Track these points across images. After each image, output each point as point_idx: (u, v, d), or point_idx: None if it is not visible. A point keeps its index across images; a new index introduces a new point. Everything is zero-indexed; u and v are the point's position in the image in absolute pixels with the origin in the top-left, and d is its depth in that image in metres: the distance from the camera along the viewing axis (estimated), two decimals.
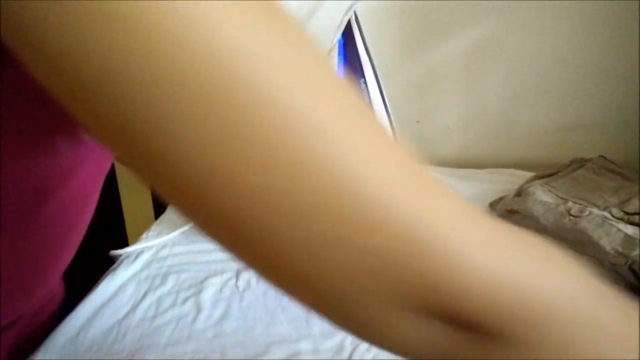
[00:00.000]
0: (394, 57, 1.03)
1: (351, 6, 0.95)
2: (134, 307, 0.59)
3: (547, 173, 0.83)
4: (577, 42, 0.97)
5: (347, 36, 0.63)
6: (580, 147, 0.96)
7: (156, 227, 0.81)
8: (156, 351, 0.52)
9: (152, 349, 0.52)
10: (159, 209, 1.01)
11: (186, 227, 0.79)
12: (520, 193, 0.77)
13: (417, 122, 1.08)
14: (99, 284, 0.63)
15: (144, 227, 0.82)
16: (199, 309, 0.58)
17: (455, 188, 0.81)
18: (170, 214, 0.86)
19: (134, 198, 1.32)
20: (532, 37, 0.98)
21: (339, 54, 0.62)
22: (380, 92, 0.62)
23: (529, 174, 0.88)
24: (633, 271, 0.57)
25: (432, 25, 1.00)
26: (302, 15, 1.02)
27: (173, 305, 0.59)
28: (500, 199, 0.80)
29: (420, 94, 1.06)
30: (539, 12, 0.96)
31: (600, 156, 0.84)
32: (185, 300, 0.60)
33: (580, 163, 0.84)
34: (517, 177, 0.90)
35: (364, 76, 0.61)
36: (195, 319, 0.57)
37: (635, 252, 0.58)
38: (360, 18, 0.98)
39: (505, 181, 0.90)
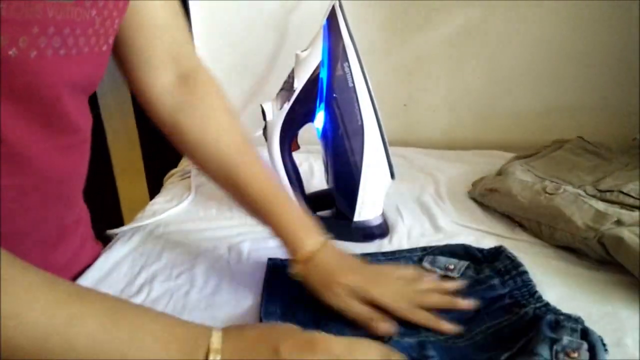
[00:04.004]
0: (381, 41, 1.05)
1: None
2: (130, 281, 0.62)
3: (528, 154, 0.86)
4: (559, 28, 0.99)
5: (331, 21, 0.65)
6: (561, 128, 0.99)
7: (150, 207, 0.83)
8: None
9: None
10: (153, 190, 1.03)
11: (180, 206, 0.82)
12: (500, 173, 0.80)
13: (404, 105, 1.11)
14: (96, 261, 0.66)
15: (139, 208, 0.84)
16: (192, 283, 0.61)
17: (440, 169, 0.83)
18: (164, 195, 0.89)
19: (128, 180, 1.35)
20: (515, 23, 1.00)
21: (323, 39, 0.65)
22: (364, 77, 0.64)
23: (511, 155, 0.91)
24: (602, 245, 0.61)
25: (418, 10, 1.02)
26: (290, 3, 1.04)
27: (168, 279, 0.62)
28: (482, 178, 0.83)
29: (407, 78, 1.09)
30: None
31: (579, 137, 0.87)
32: (179, 274, 0.63)
33: (559, 144, 0.87)
34: (499, 158, 0.93)
35: (347, 60, 0.64)
36: (189, 292, 0.60)
37: (605, 227, 0.61)
38: (347, 3, 1.00)
39: (488, 162, 0.93)
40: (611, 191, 0.68)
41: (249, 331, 0.43)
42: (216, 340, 0.40)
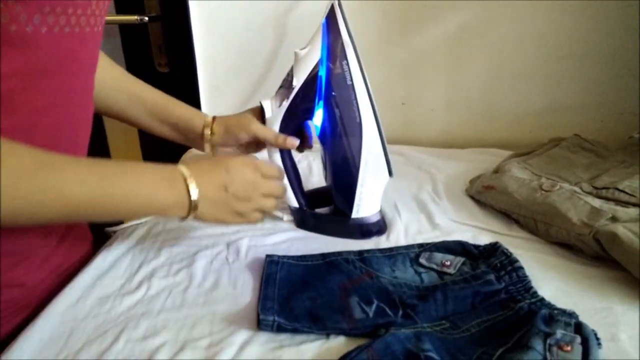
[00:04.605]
0: (379, 40, 1.06)
1: None
2: (130, 278, 0.62)
3: (525, 151, 0.87)
4: (555, 28, 1.00)
5: (330, 19, 0.65)
6: (559, 127, 0.99)
7: None
8: (150, 317, 0.55)
9: (146, 315, 0.56)
10: None
11: None
12: (497, 170, 0.81)
13: (403, 104, 1.11)
14: (95, 257, 0.66)
15: None
16: (191, 279, 0.62)
17: (439, 167, 0.84)
18: None
19: None
20: (513, 23, 1.01)
21: (322, 37, 0.65)
22: (362, 75, 0.65)
23: (508, 153, 0.91)
24: (597, 241, 0.61)
25: (417, 10, 1.02)
26: (288, 2, 1.04)
27: (166, 276, 0.63)
28: (479, 176, 0.84)
29: (406, 77, 1.09)
30: None
31: (575, 135, 0.88)
32: (178, 271, 0.64)
33: (556, 142, 0.87)
34: (497, 156, 0.93)
35: (346, 58, 0.64)
36: (187, 288, 0.60)
37: (600, 223, 0.62)
38: (345, 2, 1.00)
39: (486, 160, 0.94)
40: (607, 188, 0.68)
41: (204, 161, 0.58)
42: (184, 170, 0.54)
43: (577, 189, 0.70)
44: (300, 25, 1.05)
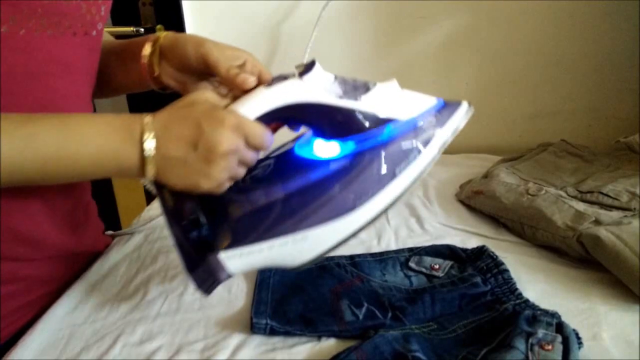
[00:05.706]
0: (371, 48, 1.08)
1: (326, 4, 1.00)
2: (127, 284, 0.64)
3: (513, 156, 0.88)
4: (543, 35, 1.02)
5: (450, 108, 0.55)
6: (547, 131, 1.01)
7: (147, 212, 0.85)
8: (146, 322, 0.57)
9: (143, 320, 0.57)
10: (150, 196, 1.05)
11: None
12: (487, 175, 0.82)
13: None
14: (93, 264, 0.68)
15: (136, 214, 0.86)
16: (186, 284, 0.63)
17: (430, 172, 0.85)
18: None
19: (125, 186, 1.37)
20: (501, 30, 1.03)
21: (430, 108, 0.53)
22: (420, 174, 0.53)
23: (498, 158, 0.93)
24: (581, 243, 0.63)
25: (407, 19, 1.04)
26: (281, 13, 1.06)
27: (163, 281, 0.64)
28: (469, 181, 0.85)
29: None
30: (508, 7, 1.01)
31: (562, 140, 0.90)
32: (173, 277, 0.65)
33: (544, 147, 0.89)
34: (487, 161, 0.95)
35: (426, 145, 0.52)
36: (183, 293, 0.62)
37: (583, 226, 0.63)
38: (336, 14, 1.02)
39: (476, 165, 0.95)
40: (591, 192, 0.70)
41: (175, 109, 0.47)
42: (148, 119, 0.45)
43: (562, 193, 0.71)
44: (292, 37, 1.07)
